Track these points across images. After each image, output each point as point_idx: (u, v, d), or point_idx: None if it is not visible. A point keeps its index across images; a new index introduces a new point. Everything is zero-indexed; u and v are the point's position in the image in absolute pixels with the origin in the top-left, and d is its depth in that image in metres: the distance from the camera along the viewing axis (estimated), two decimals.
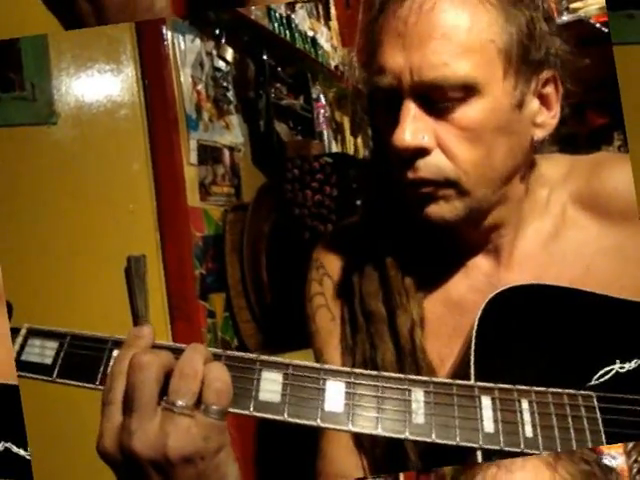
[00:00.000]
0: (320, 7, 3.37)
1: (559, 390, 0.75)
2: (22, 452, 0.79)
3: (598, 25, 1.98)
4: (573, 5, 2.11)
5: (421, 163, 0.84)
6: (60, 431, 1.49)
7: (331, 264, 1.02)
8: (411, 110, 0.83)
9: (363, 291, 0.95)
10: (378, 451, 0.92)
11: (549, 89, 0.88)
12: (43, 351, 0.74)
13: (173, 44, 2.15)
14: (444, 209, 0.86)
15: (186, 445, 0.64)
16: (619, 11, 1.21)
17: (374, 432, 0.70)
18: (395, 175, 0.87)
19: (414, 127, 0.82)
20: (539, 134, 0.89)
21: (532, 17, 0.84)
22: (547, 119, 0.89)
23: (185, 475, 0.64)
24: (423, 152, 0.84)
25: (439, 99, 0.82)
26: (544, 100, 0.89)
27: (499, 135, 0.84)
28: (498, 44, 0.82)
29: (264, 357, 0.72)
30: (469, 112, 0.83)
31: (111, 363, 0.71)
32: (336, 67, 3.48)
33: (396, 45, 0.83)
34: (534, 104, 0.88)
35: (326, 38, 3.38)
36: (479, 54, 0.82)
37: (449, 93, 0.82)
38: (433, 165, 0.84)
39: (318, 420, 0.69)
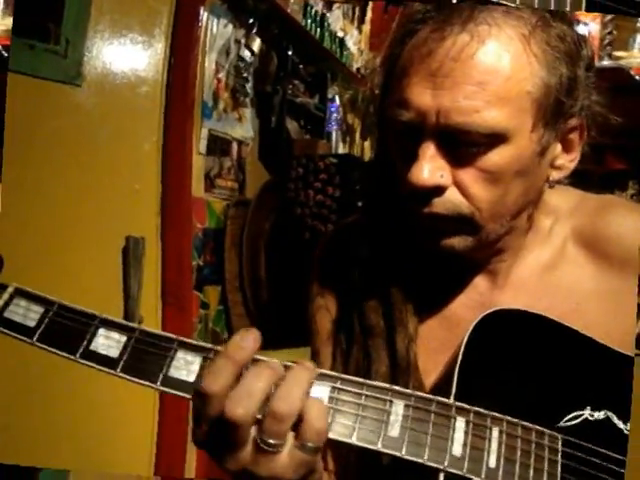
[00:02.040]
0: (357, 9, 3.37)
1: (529, 425, 0.75)
2: None
3: (638, 77, 1.99)
4: (617, 53, 2.11)
5: (437, 200, 0.84)
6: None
7: (333, 265, 1.02)
8: (431, 149, 0.82)
9: (363, 303, 0.95)
10: (352, 456, 0.93)
11: (573, 135, 0.88)
12: (27, 313, 0.75)
13: (207, 26, 2.18)
14: (454, 241, 0.86)
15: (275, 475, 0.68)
16: None
17: (348, 440, 0.71)
18: (407, 206, 0.88)
19: (432, 166, 0.82)
20: (555, 175, 0.89)
21: (575, 72, 0.84)
22: (566, 162, 0.89)
23: None
24: (440, 190, 0.83)
25: (463, 143, 0.81)
26: (566, 144, 0.89)
27: (517, 177, 0.84)
28: (534, 95, 0.81)
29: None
30: (492, 157, 0.82)
31: (98, 340, 0.73)
32: (358, 70, 3.49)
33: (426, 83, 0.81)
34: (556, 148, 0.88)
35: (355, 41, 3.41)
36: (513, 104, 0.80)
37: (475, 139, 0.81)
38: (448, 202, 0.84)
39: None
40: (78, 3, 1.57)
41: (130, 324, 0.75)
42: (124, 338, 0.74)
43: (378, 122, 0.94)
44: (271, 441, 0.67)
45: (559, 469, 0.74)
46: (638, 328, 0.92)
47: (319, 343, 1.01)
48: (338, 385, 0.72)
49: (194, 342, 0.74)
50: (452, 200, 0.84)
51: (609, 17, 2.14)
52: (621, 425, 0.80)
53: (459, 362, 0.80)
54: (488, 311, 0.83)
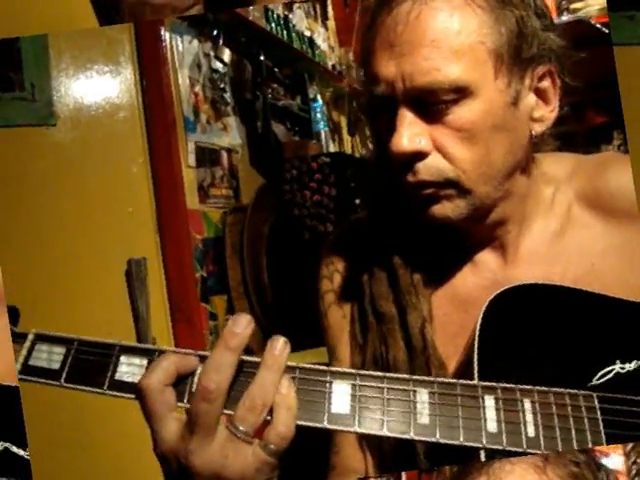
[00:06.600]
0: (318, 7, 3.38)
1: (561, 390, 0.74)
2: (22, 452, 0.79)
3: (598, 25, 1.98)
4: (573, 5, 2.10)
5: (420, 166, 0.84)
6: (59, 432, 1.48)
7: (341, 261, 1.02)
8: (406, 116, 0.84)
9: (373, 291, 0.96)
10: (386, 448, 0.92)
11: (546, 83, 0.88)
12: (50, 356, 0.74)
13: (171, 45, 2.16)
14: (447, 208, 0.86)
15: (241, 473, 0.67)
16: (620, 12, 1.22)
17: (380, 433, 0.70)
18: (397, 178, 0.87)
19: (410, 132, 0.83)
20: (538, 129, 0.89)
21: (522, 16, 0.84)
22: (545, 113, 0.89)
23: None
24: (421, 155, 0.84)
25: (433, 102, 0.83)
26: (541, 94, 0.88)
27: (496, 133, 0.84)
28: (488, 45, 0.83)
29: None
30: (463, 113, 0.83)
31: (122, 369, 0.72)
32: (333, 67, 3.49)
33: (387, 54, 0.84)
34: (530, 99, 0.87)
35: (323, 38, 3.38)
36: (469, 56, 0.82)
37: (442, 96, 0.82)
38: (432, 167, 0.84)
39: (325, 422, 0.69)
40: (34, 47, 1.55)
41: (149, 346, 0.74)
42: (145, 361, 0.72)
43: (370, 117, 0.93)
44: (241, 428, 0.66)
45: (601, 425, 0.73)
46: None
47: (334, 339, 1.00)
48: (358, 382, 0.71)
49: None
50: (435, 165, 0.84)
51: None
52: None
53: (476, 344, 0.79)
54: (498, 290, 0.83)
